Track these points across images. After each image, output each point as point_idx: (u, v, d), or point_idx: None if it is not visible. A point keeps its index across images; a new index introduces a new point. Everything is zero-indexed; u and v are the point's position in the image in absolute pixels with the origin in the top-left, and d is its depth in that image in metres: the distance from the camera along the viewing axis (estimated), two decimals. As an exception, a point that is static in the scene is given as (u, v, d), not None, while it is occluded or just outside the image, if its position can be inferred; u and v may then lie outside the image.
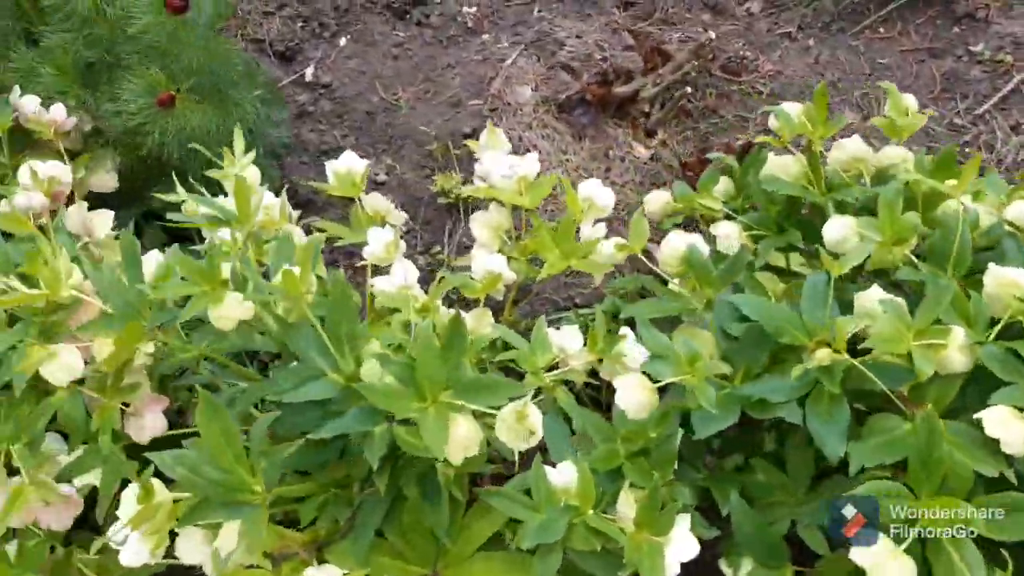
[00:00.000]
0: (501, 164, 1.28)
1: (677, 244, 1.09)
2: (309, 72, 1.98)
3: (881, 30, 2.05)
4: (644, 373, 0.96)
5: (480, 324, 1.22)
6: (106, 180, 1.37)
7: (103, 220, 1.16)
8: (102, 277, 0.97)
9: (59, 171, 1.15)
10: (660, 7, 1.98)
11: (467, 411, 0.88)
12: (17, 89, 1.33)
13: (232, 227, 1.06)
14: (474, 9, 2.08)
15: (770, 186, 1.14)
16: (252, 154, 1.16)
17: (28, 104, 1.32)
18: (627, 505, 1.02)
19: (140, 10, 1.32)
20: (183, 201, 1.20)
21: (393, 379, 0.90)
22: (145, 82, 1.34)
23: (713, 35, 1.68)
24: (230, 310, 0.93)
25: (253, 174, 1.17)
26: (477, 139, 1.83)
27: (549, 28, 2.00)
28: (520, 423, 0.86)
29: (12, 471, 0.95)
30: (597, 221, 1.27)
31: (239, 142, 1.16)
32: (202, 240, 1.61)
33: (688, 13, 1.97)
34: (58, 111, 1.29)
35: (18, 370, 0.91)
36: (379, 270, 1.24)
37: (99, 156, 1.37)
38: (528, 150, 1.79)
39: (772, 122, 1.22)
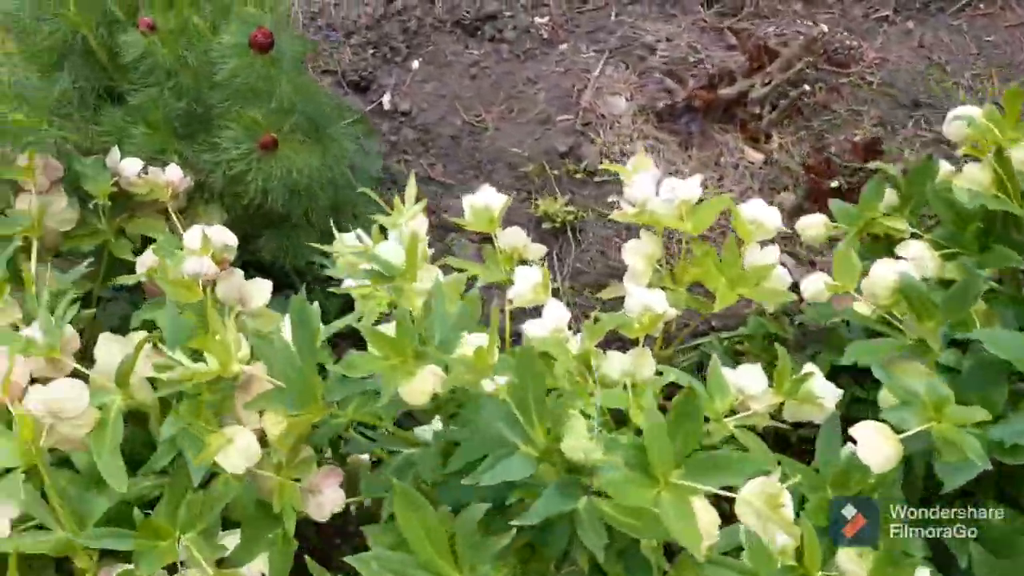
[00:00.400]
0: (663, 188, 1.18)
1: (885, 273, 0.98)
2: (386, 100, 1.88)
3: (981, 6, 1.93)
4: (883, 420, 0.86)
5: (642, 367, 1.13)
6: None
7: (260, 289, 1.07)
8: (272, 349, 0.88)
9: (226, 236, 1.06)
10: (749, 1, 1.87)
11: (702, 493, 0.78)
12: (116, 151, 1.24)
13: (397, 284, 0.97)
14: (546, 19, 1.98)
15: (968, 200, 1.02)
16: (424, 202, 1.07)
17: (129, 167, 1.23)
18: (851, 561, 0.92)
19: (224, 54, 1.23)
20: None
21: (610, 456, 0.80)
22: (243, 127, 1.25)
23: (824, 27, 1.58)
24: (424, 384, 0.84)
25: (421, 224, 1.08)
26: (574, 157, 1.75)
27: (632, 33, 1.89)
28: (775, 511, 0.75)
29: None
30: (763, 243, 1.17)
31: (412, 188, 1.07)
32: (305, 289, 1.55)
33: (780, 5, 1.87)
34: (173, 172, 1.20)
35: (197, 461, 0.82)
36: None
37: (209, 212, 1.28)
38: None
39: (947, 128, 1.11)
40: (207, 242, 1.02)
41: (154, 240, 1.27)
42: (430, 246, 1.51)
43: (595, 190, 1.68)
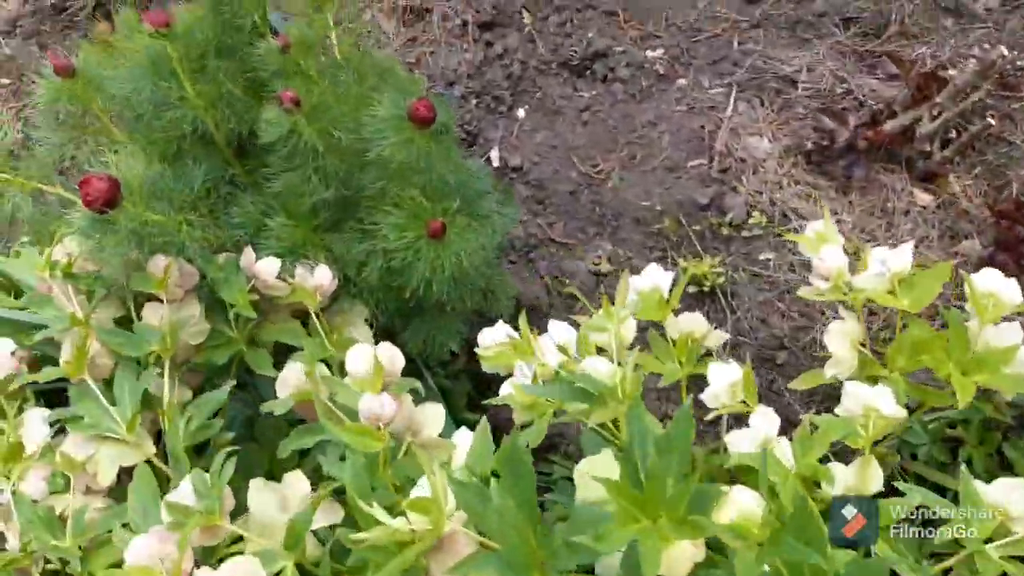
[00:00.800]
0: (872, 260, 1.01)
1: None
2: (494, 155, 1.74)
3: None
4: None
5: (867, 481, 0.95)
6: (359, 337, 1.15)
7: (434, 415, 0.92)
8: (483, 504, 0.73)
9: (395, 357, 0.92)
10: (893, 19, 1.68)
11: None
12: (250, 251, 1.11)
13: (609, 409, 0.81)
14: (659, 52, 1.82)
15: None
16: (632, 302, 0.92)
17: (267, 268, 1.10)
18: None
19: (379, 130, 1.09)
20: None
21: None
22: (408, 211, 1.11)
23: (1004, 50, 1.39)
24: (685, 551, 0.68)
25: (630, 328, 0.93)
26: (717, 209, 1.57)
27: (762, 63, 1.72)
28: None
29: None
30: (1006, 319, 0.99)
31: (625, 286, 0.92)
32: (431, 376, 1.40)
33: (928, 22, 1.68)
34: (323, 274, 1.07)
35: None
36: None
37: (353, 310, 1.14)
38: (786, 215, 1.52)
39: None
40: (379, 370, 0.87)
41: (291, 347, 1.14)
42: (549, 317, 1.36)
43: (744, 246, 1.51)
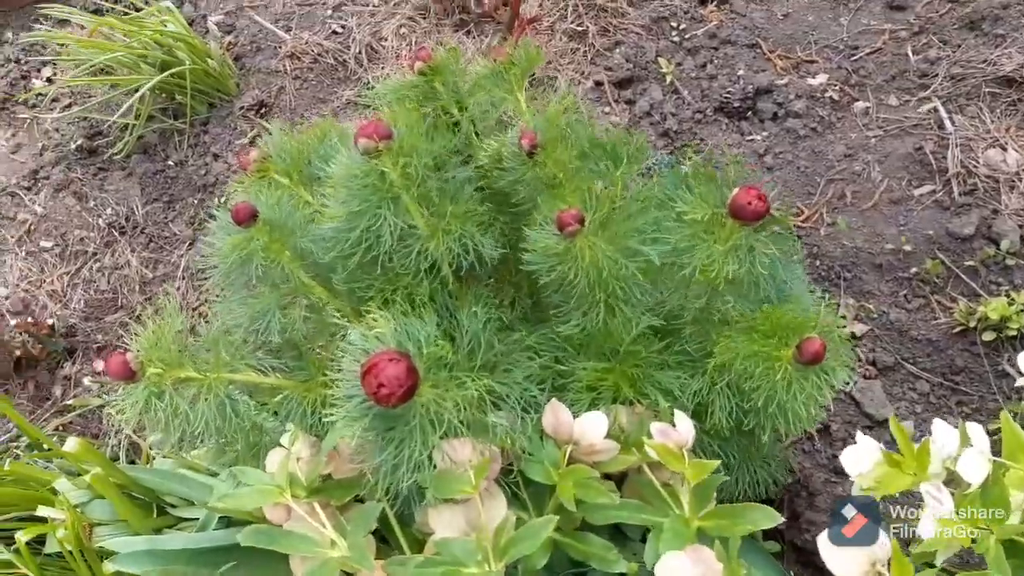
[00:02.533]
0: None
1: None
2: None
3: None
4: None
5: None
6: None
7: None
8: None
9: None
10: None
11: None
12: (559, 407, 0.83)
13: None
14: (823, 78, 1.60)
15: None
16: None
17: (592, 427, 0.83)
18: None
19: (690, 235, 0.84)
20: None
21: None
22: (758, 331, 0.84)
23: None
24: None
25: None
26: (984, 238, 1.34)
27: (961, 68, 1.51)
28: None
29: None
30: None
31: None
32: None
33: None
34: (686, 426, 0.81)
35: None
36: None
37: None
38: (1075, 230, 1.28)
39: None
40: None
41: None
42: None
43: (1034, 275, 1.28)
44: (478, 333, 0.86)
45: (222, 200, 1.70)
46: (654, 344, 0.89)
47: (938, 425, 0.83)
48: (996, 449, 0.78)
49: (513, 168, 0.95)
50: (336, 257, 0.91)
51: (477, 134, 1.07)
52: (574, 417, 0.85)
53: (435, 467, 0.82)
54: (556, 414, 0.85)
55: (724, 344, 0.85)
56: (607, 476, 0.94)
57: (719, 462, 0.78)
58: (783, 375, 0.83)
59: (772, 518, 0.78)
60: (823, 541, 0.72)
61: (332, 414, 0.81)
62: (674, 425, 0.81)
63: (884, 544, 0.70)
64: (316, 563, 0.82)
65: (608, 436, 0.85)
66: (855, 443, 0.83)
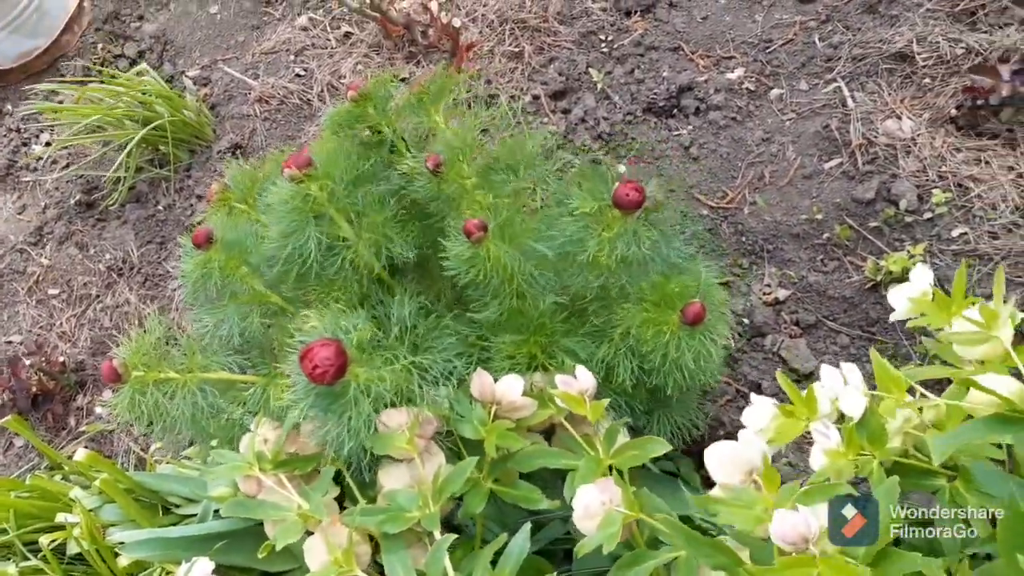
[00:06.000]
0: None
1: None
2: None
3: None
4: None
5: None
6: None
7: None
8: None
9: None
10: (973, -28, 1.64)
11: None
12: (484, 376, 0.97)
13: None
14: (740, 72, 1.75)
15: None
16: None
17: (511, 387, 0.97)
18: None
19: (583, 227, 0.99)
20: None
21: None
22: (651, 302, 0.99)
23: None
24: None
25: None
26: (884, 200, 1.46)
27: (861, 50, 1.65)
28: None
29: None
30: None
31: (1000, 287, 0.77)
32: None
33: (1008, -36, 1.64)
34: (586, 376, 0.93)
35: None
36: None
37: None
38: (962, 184, 1.41)
39: None
40: (773, 476, 0.71)
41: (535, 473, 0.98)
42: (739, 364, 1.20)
43: (930, 229, 1.40)
44: (404, 318, 1.00)
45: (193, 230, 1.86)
46: (559, 316, 1.03)
47: (824, 369, 0.94)
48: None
49: (424, 185, 1.10)
50: (280, 271, 1.07)
51: (408, 148, 1.22)
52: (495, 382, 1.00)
53: (377, 432, 0.96)
54: (480, 379, 0.99)
55: (622, 315, 0.99)
56: (536, 433, 1.08)
57: (607, 400, 0.92)
58: (671, 336, 0.97)
59: (663, 446, 0.91)
60: (708, 453, 0.83)
61: (284, 398, 0.96)
62: (575, 377, 0.95)
63: (759, 453, 0.80)
64: (285, 524, 0.97)
65: (528, 395, 0.99)
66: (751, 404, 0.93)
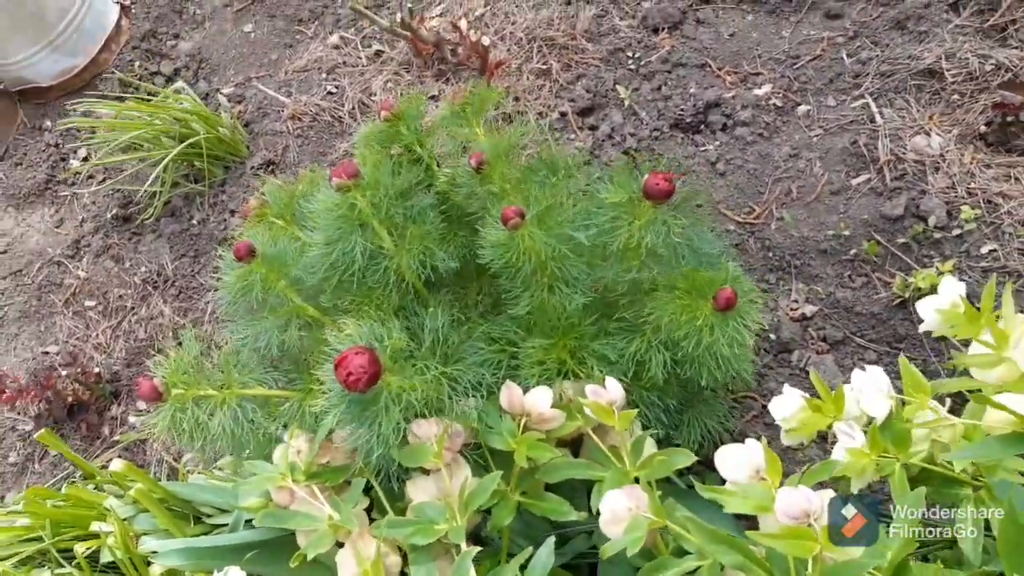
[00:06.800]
0: None
1: None
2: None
3: None
4: None
5: None
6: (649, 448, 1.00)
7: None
8: None
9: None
10: (1003, -12, 1.63)
11: None
12: (513, 387, 0.98)
13: None
14: (767, 88, 1.75)
15: None
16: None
17: (540, 399, 0.98)
18: None
19: (614, 217, 1.00)
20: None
21: None
22: (683, 290, 1.01)
23: None
24: None
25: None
26: (913, 217, 1.46)
27: (889, 66, 1.65)
28: None
29: None
30: None
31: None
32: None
33: (1039, -20, 1.63)
34: (615, 387, 0.95)
35: None
36: None
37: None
38: (991, 201, 1.41)
39: None
40: (775, 462, 0.72)
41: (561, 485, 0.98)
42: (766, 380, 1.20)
43: (959, 245, 1.39)
44: (437, 330, 1.02)
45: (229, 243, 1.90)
46: (588, 318, 1.04)
47: (856, 374, 0.95)
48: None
49: (465, 183, 1.13)
50: (320, 279, 1.09)
51: (438, 165, 1.25)
52: (524, 393, 1.01)
53: (407, 442, 0.98)
54: (509, 392, 1.00)
55: (654, 304, 1.00)
56: (564, 444, 1.09)
57: (636, 411, 0.93)
58: (704, 321, 0.97)
59: (689, 458, 0.92)
60: (718, 455, 0.84)
61: (318, 404, 0.98)
62: (605, 387, 0.96)
63: (761, 454, 0.82)
64: (316, 534, 0.98)
65: (556, 407, 1.00)
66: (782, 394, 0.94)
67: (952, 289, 0.88)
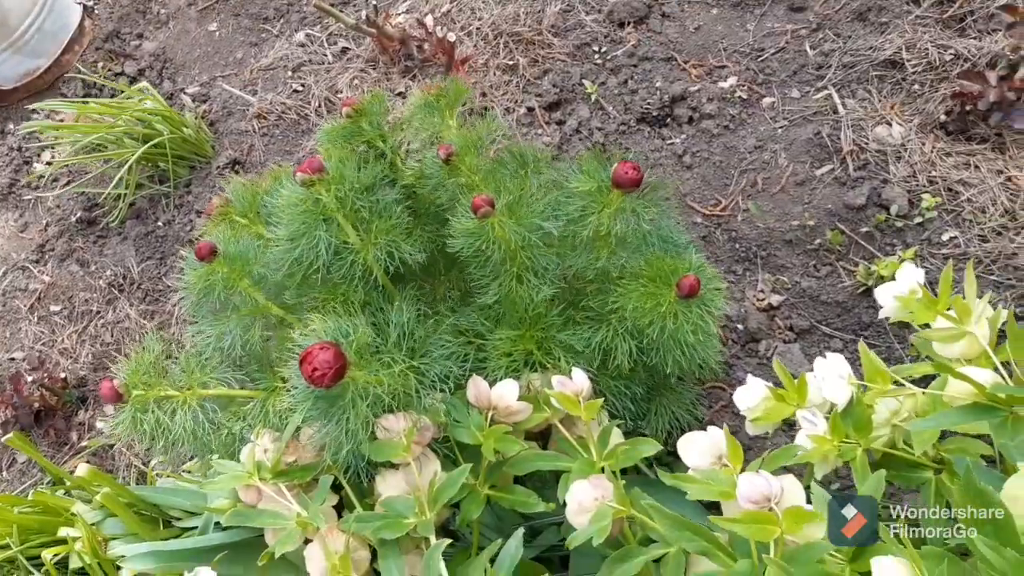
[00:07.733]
0: None
1: None
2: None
3: None
4: None
5: None
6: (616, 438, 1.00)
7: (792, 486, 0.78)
8: None
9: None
10: (960, -21, 1.66)
11: None
12: (479, 381, 0.98)
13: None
14: (732, 80, 1.77)
15: None
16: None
17: (507, 392, 0.98)
18: None
19: (583, 207, 1.01)
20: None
21: None
22: (648, 276, 1.01)
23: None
24: None
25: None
26: (876, 206, 1.48)
27: (851, 58, 1.67)
28: None
29: None
30: None
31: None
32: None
33: (994, -29, 1.66)
34: (581, 377, 0.95)
35: None
36: None
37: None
38: (952, 189, 1.43)
39: None
40: (736, 448, 0.73)
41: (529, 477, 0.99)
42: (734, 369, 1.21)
43: (921, 233, 1.41)
44: (403, 324, 1.02)
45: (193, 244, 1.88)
46: (556, 308, 1.04)
47: (818, 362, 0.96)
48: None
49: (433, 174, 1.13)
50: (285, 275, 1.08)
51: (403, 160, 1.24)
52: (491, 387, 1.01)
53: (376, 438, 0.97)
54: (476, 386, 1.00)
55: (620, 291, 1.01)
56: (533, 437, 1.09)
57: (601, 400, 0.93)
58: (668, 308, 0.98)
59: (654, 447, 0.92)
60: (681, 442, 0.85)
61: (284, 402, 0.97)
62: (571, 377, 0.96)
63: (723, 440, 0.82)
64: (284, 532, 0.97)
65: (524, 398, 1.00)
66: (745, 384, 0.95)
67: (910, 276, 0.89)
